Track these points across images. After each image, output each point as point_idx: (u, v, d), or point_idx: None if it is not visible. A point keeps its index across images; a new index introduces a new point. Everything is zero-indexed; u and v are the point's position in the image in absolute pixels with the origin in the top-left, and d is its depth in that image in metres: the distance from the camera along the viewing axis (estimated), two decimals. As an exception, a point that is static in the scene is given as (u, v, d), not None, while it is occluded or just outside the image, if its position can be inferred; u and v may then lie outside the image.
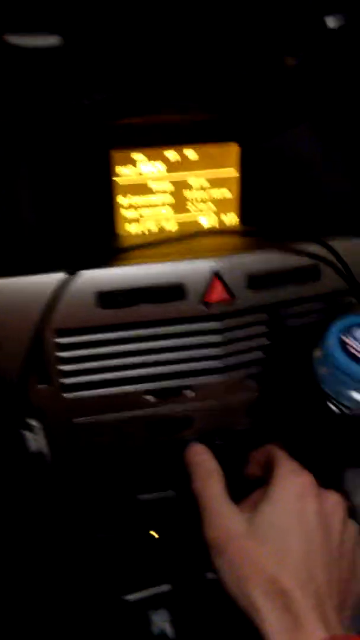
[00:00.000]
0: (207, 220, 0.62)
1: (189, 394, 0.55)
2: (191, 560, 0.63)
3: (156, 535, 0.63)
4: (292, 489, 0.46)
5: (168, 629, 0.64)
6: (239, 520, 0.45)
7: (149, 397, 0.55)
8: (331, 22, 0.56)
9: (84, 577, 0.63)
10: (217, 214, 0.62)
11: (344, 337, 0.46)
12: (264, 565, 0.42)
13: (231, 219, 0.63)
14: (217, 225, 0.62)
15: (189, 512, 0.61)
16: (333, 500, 0.46)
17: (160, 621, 0.64)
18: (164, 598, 0.65)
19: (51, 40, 0.52)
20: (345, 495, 0.59)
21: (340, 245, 0.55)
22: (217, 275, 0.53)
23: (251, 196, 0.62)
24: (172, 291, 0.52)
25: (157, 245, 0.54)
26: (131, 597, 0.64)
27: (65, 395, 0.53)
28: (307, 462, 0.49)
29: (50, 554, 0.59)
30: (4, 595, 0.59)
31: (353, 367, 0.43)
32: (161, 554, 0.64)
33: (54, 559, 0.59)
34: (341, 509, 0.47)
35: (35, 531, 0.57)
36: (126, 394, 0.54)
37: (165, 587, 0.64)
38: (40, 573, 0.59)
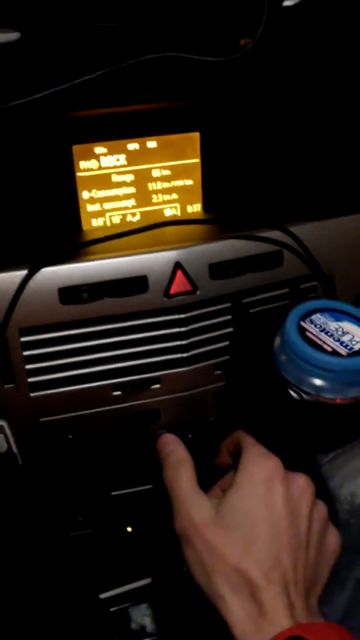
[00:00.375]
0: (171, 210, 0.62)
1: (156, 387, 0.55)
2: (167, 553, 0.63)
3: (130, 530, 0.63)
4: (259, 473, 0.45)
5: (147, 623, 0.64)
6: (206, 508, 0.45)
7: (117, 392, 0.54)
8: (287, 1, 0.55)
9: (59, 576, 0.63)
10: (181, 203, 0.62)
11: (302, 324, 0.46)
12: (229, 555, 0.42)
13: (195, 208, 0.62)
14: (181, 215, 0.62)
15: (163, 505, 0.62)
16: (301, 483, 0.46)
17: (139, 616, 0.65)
18: (141, 593, 0.65)
19: (11, 36, 0.51)
20: (322, 481, 0.60)
21: (302, 230, 0.54)
22: (179, 266, 0.52)
23: (213, 184, 0.61)
24: (135, 284, 0.52)
25: (119, 237, 0.53)
26: (108, 594, 0.64)
27: (31, 394, 0.52)
28: (274, 449, 0.48)
29: (24, 554, 0.59)
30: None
31: (311, 353, 0.43)
32: (137, 549, 0.64)
33: (28, 559, 0.59)
34: (309, 492, 0.46)
35: (8, 531, 0.57)
36: (93, 390, 0.54)
37: (142, 582, 0.65)
38: (14, 574, 0.59)
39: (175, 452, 0.51)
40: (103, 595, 0.65)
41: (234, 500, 0.44)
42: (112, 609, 0.66)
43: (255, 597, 0.40)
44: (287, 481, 0.45)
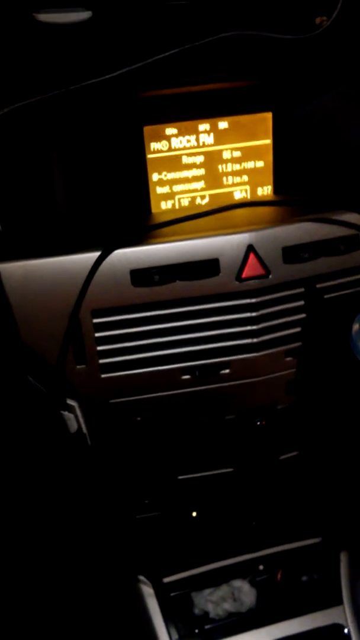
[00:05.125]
0: (240, 193, 0.60)
1: (226, 372, 0.54)
2: (231, 539, 0.63)
3: (195, 514, 0.63)
4: None
5: (210, 609, 0.64)
6: None
7: (185, 376, 0.54)
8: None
9: (124, 558, 0.63)
10: (251, 186, 0.60)
11: (384, 309, 0.44)
12: None
13: (265, 190, 0.61)
14: (250, 198, 0.61)
15: (229, 491, 0.61)
16: None
17: (202, 602, 0.64)
18: (205, 579, 0.65)
19: (82, 15, 0.51)
20: None
21: (380, 213, 0.52)
22: (252, 249, 0.51)
23: (285, 166, 0.60)
24: (206, 267, 0.51)
25: (190, 220, 0.52)
26: (171, 578, 0.64)
27: (102, 375, 0.52)
28: (349, 438, 0.47)
29: (91, 534, 0.59)
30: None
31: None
32: (201, 534, 0.64)
33: (94, 540, 0.60)
34: None
35: (77, 511, 0.57)
36: (163, 373, 0.53)
37: (206, 567, 0.64)
38: (81, 553, 0.60)
39: None
40: (166, 580, 0.65)
41: None
42: (172, 594, 0.66)
43: None
44: None
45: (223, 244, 0.51)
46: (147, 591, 0.66)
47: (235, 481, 0.61)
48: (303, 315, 0.54)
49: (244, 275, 0.52)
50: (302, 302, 0.54)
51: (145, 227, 0.54)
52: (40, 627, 0.60)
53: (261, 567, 0.65)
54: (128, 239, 0.51)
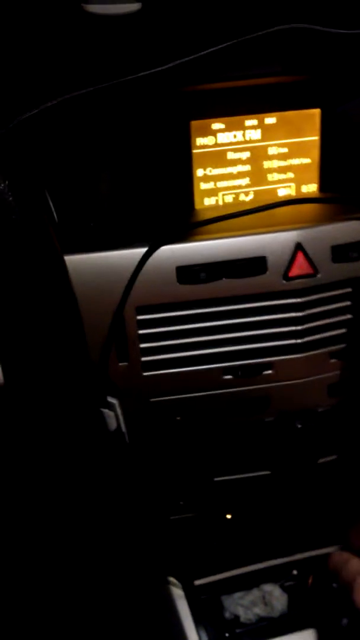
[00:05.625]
0: (285, 190, 0.59)
1: (269, 373, 0.53)
2: (263, 542, 0.61)
3: (229, 517, 0.62)
4: None
5: (241, 613, 0.63)
6: None
7: (228, 376, 0.53)
8: None
9: (156, 559, 0.62)
10: (297, 183, 0.59)
11: None
12: None
13: (311, 188, 0.59)
14: (295, 195, 0.59)
15: (264, 495, 0.60)
16: None
17: (233, 605, 0.63)
18: (236, 582, 0.64)
19: (132, 7, 0.49)
20: None
21: None
22: (300, 247, 0.50)
23: (332, 163, 0.58)
24: (253, 265, 0.50)
25: (238, 217, 0.51)
26: (203, 580, 0.63)
27: (144, 373, 0.51)
28: None
29: (126, 533, 0.58)
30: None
31: None
32: (234, 537, 0.63)
33: (129, 538, 0.59)
34: None
35: (114, 508, 0.57)
36: (205, 372, 0.52)
37: (237, 571, 0.63)
38: (114, 552, 0.59)
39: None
40: (197, 582, 0.64)
41: None
42: (203, 597, 0.65)
43: None
44: None
45: (270, 241, 0.50)
46: (178, 593, 0.65)
47: (272, 484, 0.59)
48: (350, 316, 0.53)
49: (291, 274, 0.50)
50: (349, 303, 0.53)
51: (192, 224, 0.53)
52: (71, 626, 0.59)
53: (295, 572, 0.63)
54: (174, 235, 0.50)
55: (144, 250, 0.48)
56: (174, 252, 0.49)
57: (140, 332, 0.50)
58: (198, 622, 0.64)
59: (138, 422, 0.54)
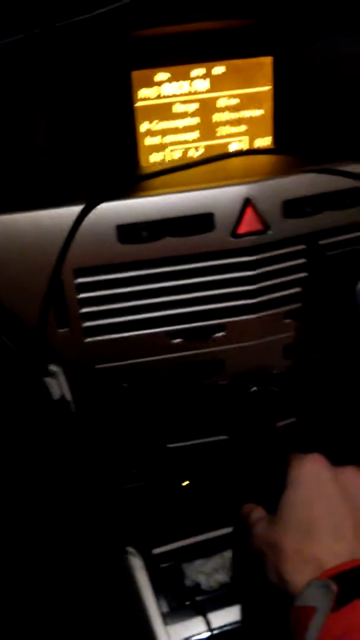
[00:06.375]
0: (238, 144, 0.56)
1: (221, 335, 0.51)
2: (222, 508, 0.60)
3: (185, 484, 0.60)
4: (305, 467, 0.46)
5: (202, 580, 0.62)
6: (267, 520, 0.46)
7: (177, 340, 0.51)
8: None
9: (112, 530, 0.61)
10: (250, 136, 0.56)
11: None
12: (289, 543, 0.42)
13: (264, 142, 0.57)
14: (248, 149, 0.56)
15: (220, 461, 0.58)
16: (348, 469, 0.46)
17: (193, 573, 0.62)
18: (196, 550, 0.63)
19: None
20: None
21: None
22: (249, 202, 0.48)
23: (286, 115, 0.56)
24: (199, 222, 0.48)
25: (182, 170, 0.48)
26: (161, 549, 0.62)
27: (86, 339, 0.49)
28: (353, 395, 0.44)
29: (77, 506, 0.57)
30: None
31: None
32: (193, 505, 0.62)
33: (81, 511, 0.57)
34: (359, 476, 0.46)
35: (60, 482, 0.55)
36: (152, 337, 0.50)
37: (198, 538, 0.62)
38: (67, 524, 0.57)
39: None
40: (156, 551, 0.63)
41: (287, 498, 0.45)
42: (162, 565, 0.64)
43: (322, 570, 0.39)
44: (334, 469, 0.46)
45: (218, 196, 0.48)
46: (137, 563, 0.64)
47: (230, 449, 0.58)
48: (304, 274, 0.51)
49: (240, 230, 0.48)
50: (303, 260, 0.50)
51: (132, 179, 0.50)
52: (27, 601, 0.57)
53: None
54: (114, 192, 0.47)
55: (80, 207, 0.45)
56: (113, 210, 0.46)
57: (80, 295, 0.47)
58: (158, 591, 0.63)
59: (84, 390, 0.51)
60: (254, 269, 0.49)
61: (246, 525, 0.48)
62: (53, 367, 0.50)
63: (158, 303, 0.49)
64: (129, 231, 0.47)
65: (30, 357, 0.49)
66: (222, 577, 0.64)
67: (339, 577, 0.38)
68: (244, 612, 0.60)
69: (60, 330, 0.48)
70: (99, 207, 0.46)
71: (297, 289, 0.51)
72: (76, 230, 0.46)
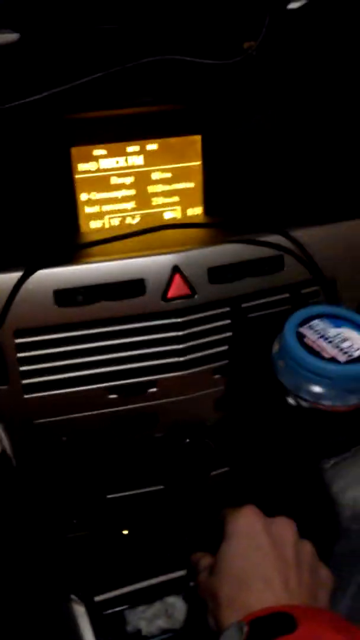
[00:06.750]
0: (171, 213, 0.61)
1: (153, 390, 0.55)
2: (163, 555, 0.63)
3: (126, 532, 0.63)
4: (240, 520, 0.49)
5: (143, 626, 0.64)
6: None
7: (112, 395, 0.54)
8: (293, 3, 0.54)
9: (55, 577, 0.62)
10: (182, 206, 0.61)
11: (301, 330, 0.45)
12: (225, 592, 0.45)
13: (196, 211, 0.62)
14: (181, 218, 0.61)
15: (159, 509, 0.61)
16: (281, 521, 0.49)
17: (135, 619, 0.64)
18: (137, 596, 0.64)
19: (10, 37, 0.51)
20: (325, 486, 0.59)
21: (303, 234, 0.54)
22: (177, 270, 0.52)
23: (215, 188, 0.61)
24: (132, 287, 0.52)
25: (117, 240, 0.53)
26: (103, 596, 0.63)
27: (25, 396, 0.52)
28: (274, 454, 0.48)
29: (19, 556, 0.58)
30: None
31: (308, 359, 0.43)
32: (133, 552, 0.64)
33: (24, 561, 0.59)
34: (290, 526, 0.49)
35: (5, 534, 0.57)
36: (89, 393, 0.53)
37: (138, 585, 0.64)
38: (11, 573, 0.59)
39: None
40: (98, 598, 0.65)
41: (224, 551, 0.48)
42: (105, 612, 0.66)
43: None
44: (266, 520, 0.49)
45: (149, 264, 0.52)
46: (79, 610, 0.65)
47: (166, 498, 0.61)
48: (229, 334, 0.55)
49: (169, 295, 0.52)
50: (228, 321, 0.55)
51: (71, 247, 0.54)
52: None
53: (192, 584, 0.65)
54: (52, 259, 0.51)
55: (19, 274, 0.49)
56: (50, 276, 0.50)
57: (19, 355, 0.51)
58: (100, 638, 0.64)
59: (24, 444, 0.54)
60: (182, 330, 0.53)
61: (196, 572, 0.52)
62: (-6, 423, 0.52)
63: (94, 361, 0.53)
64: (66, 296, 0.50)
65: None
66: (162, 623, 0.65)
67: (255, 621, 0.41)
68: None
69: (0, 387, 0.51)
70: (37, 273, 0.50)
71: (223, 348, 0.55)
72: (15, 295, 0.49)
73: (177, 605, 0.66)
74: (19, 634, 0.61)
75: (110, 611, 0.65)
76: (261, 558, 0.46)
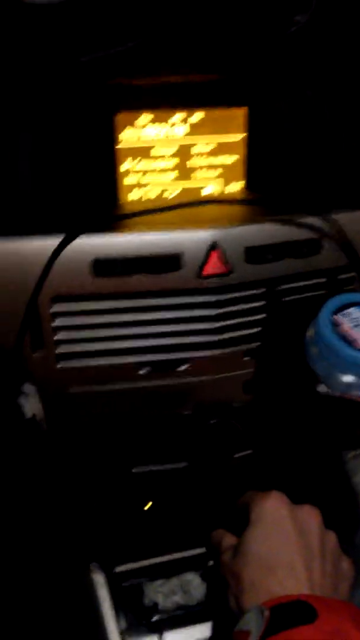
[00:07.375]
0: (212, 187, 0.60)
1: (184, 368, 0.54)
2: (184, 532, 0.63)
3: (148, 507, 0.63)
4: (266, 505, 0.49)
5: (160, 600, 0.64)
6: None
7: (143, 370, 0.54)
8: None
9: (78, 546, 0.63)
10: (223, 181, 0.60)
11: (336, 317, 0.44)
12: (247, 576, 0.45)
13: (237, 186, 0.60)
14: (222, 192, 0.60)
15: (183, 486, 0.61)
16: (306, 509, 0.49)
17: (152, 592, 0.65)
18: (157, 570, 0.65)
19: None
20: (346, 477, 0.58)
21: (344, 218, 0.52)
22: (214, 247, 0.51)
23: (258, 163, 0.59)
24: (168, 262, 0.51)
25: (156, 212, 0.52)
26: (123, 567, 0.64)
27: (59, 364, 0.52)
28: (299, 441, 0.47)
29: (46, 524, 0.59)
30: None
31: (343, 348, 0.41)
32: (155, 527, 0.64)
33: (49, 528, 0.60)
34: (316, 515, 0.49)
35: (31, 499, 0.57)
36: (120, 366, 0.53)
37: (159, 559, 0.65)
38: (34, 540, 0.60)
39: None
40: (118, 569, 0.65)
41: (250, 533, 0.48)
42: (124, 584, 0.66)
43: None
44: (292, 507, 0.49)
45: (186, 239, 0.51)
46: (99, 579, 0.66)
47: (190, 476, 0.61)
48: (263, 316, 0.54)
49: (205, 272, 0.51)
50: (263, 303, 0.54)
51: (112, 216, 0.53)
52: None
53: (211, 563, 0.65)
54: (91, 227, 0.50)
55: (59, 239, 0.49)
56: (90, 243, 0.50)
57: (55, 323, 0.51)
58: (118, 608, 0.65)
59: (58, 411, 0.54)
60: (217, 308, 0.52)
61: (217, 551, 0.52)
62: (26, 387, 0.53)
63: (127, 334, 0.52)
64: (104, 265, 0.50)
65: (5, 377, 0.52)
66: (178, 598, 0.66)
67: (276, 607, 0.41)
68: (202, 633, 0.62)
69: (35, 354, 0.51)
70: (77, 240, 0.49)
71: (256, 330, 0.54)
72: (54, 260, 0.49)
73: (194, 583, 0.66)
74: (39, 595, 0.62)
75: (128, 583, 0.66)
76: (286, 545, 0.46)
